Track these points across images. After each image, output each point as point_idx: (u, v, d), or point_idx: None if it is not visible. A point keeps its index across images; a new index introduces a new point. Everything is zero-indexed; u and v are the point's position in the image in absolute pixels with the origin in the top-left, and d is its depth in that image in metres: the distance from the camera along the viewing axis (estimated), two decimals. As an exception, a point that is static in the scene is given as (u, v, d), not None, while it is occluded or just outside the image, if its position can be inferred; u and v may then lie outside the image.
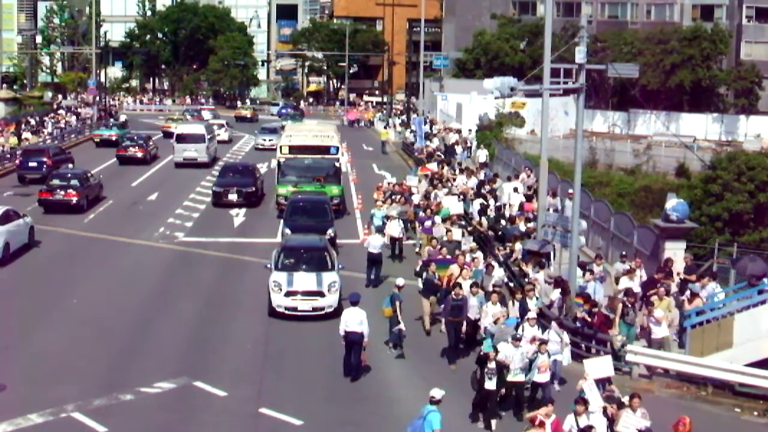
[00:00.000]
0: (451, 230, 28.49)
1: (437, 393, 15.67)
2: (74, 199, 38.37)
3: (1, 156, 51.86)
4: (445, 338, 21.81)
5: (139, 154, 53.56)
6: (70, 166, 47.29)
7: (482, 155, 46.74)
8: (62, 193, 38.42)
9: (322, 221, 31.79)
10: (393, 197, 35.07)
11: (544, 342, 18.88)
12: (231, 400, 19.12)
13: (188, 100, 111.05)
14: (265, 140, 62.71)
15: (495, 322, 20.21)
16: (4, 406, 18.18)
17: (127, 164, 52.84)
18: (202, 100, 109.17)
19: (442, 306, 22.25)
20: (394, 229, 30.71)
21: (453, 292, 21.42)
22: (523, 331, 19.60)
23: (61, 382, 19.65)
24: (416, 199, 35.96)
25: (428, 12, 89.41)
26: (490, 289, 22.57)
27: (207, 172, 50.36)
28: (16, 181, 45.98)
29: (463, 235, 29.39)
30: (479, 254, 26.30)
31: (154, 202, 42.02)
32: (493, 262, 25.12)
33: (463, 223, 31.87)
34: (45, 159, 46.61)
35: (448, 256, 25.42)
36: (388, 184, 38.50)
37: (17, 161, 48.39)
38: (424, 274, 24.25)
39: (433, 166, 42.53)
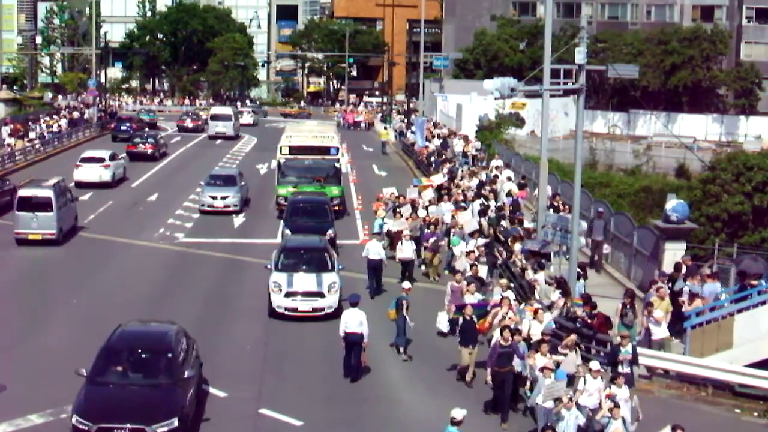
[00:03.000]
0: (476, 265, 24.92)
1: (458, 413, 14.97)
2: (149, 151, 55.25)
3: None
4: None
5: (191, 125, 73.35)
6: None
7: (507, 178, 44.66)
8: (143, 146, 55.34)
9: (322, 222, 31.78)
10: (398, 211, 31.86)
11: (616, 405, 16.07)
12: (231, 400, 19.11)
13: (187, 101, 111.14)
14: (215, 198, 38.84)
15: (541, 371, 17.26)
16: (4, 407, 18.18)
17: (184, 132, 71.31)
18: (203, 102, 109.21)
19: (488, 353, 18.98)
20: (407, 250, 27.76)
21: (502, 337, 18.47)
22: (585, 384, 17.10)
23: (61, 382, 19.61)
24: (419, 212, 32.43)
25: (428, 13, 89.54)
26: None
27: (208, 172, 50.27)
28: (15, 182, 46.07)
29: (491, 270, 25.90)
30: (509, 294, 22.29)
31: (154, 202, 42.02)
32: (539, 305, 21.47)
33: (484, 242, 28.06)
34: (132, 124, 66.56)
35: (478, 293, 22.41)
36: (390, 194, 35.38)
37: (112, 125, 67.75)
38: (461, 320, 20.52)
39: (438, 178, 39.43)
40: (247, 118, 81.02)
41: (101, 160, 45.64)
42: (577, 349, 18.99)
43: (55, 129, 64.98)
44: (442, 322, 22.22)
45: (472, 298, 22.07)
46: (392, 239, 29.97)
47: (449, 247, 29.28)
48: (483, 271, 25.15)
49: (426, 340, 22.91)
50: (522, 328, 19.75)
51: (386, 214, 32.36)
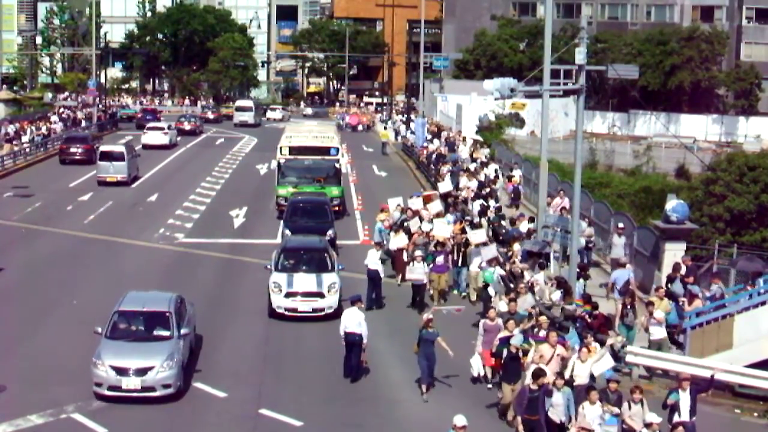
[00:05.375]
0: (515, 301, 21.31)
1: (460, 420, 14.83)
2: (189, 127, 70.73)
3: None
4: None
5: (213, 117, 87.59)
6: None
7: (516, 175, 41.01)
8: (187, 124, 71.47)
9: (322, 222, 31.76)
10: (404, 225, 29.67)
11: None
12: (231, 401, 19.11)
13: (187, 101, 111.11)
14: (126, 372, 18.66)
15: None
16: (4, 407, 18.19)
17: (207, 123, 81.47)
18: (203, 102, 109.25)
19: (517, 399, 17.04)
20: (418, 272, 25.38)
21: (534, 381, 16.53)
22: None
23: (61, 382, 19.63)
24: (424, 226, 29.58)
25: (428, 13, 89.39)
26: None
27: (207, 173, 50.46)
28: (15, 183, 46.19)
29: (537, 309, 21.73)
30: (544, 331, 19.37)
31: (154, 203, 42.01)
32: (593, 342, 18.69)
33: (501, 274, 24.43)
34: (157, 115, 77.53)
35: (515, 331, 19.12)
36: (396, 206, 32.40)
37: (139, 115, 79.87)
38: (504, 353, 18.55)
39: (445, 185, 37.21)
40: (276, 114, 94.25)
41: (162, 129, 62.19)
42: (644, 401, 16.43)
43: (44, 131, 62.30)
44: (476, 366, 19.95)
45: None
46: (393, 258, 28.23)
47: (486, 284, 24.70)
48: (526, 301, 21.78)
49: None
50: (566, 371, 17.62)
51: (392, 225, 30.01)
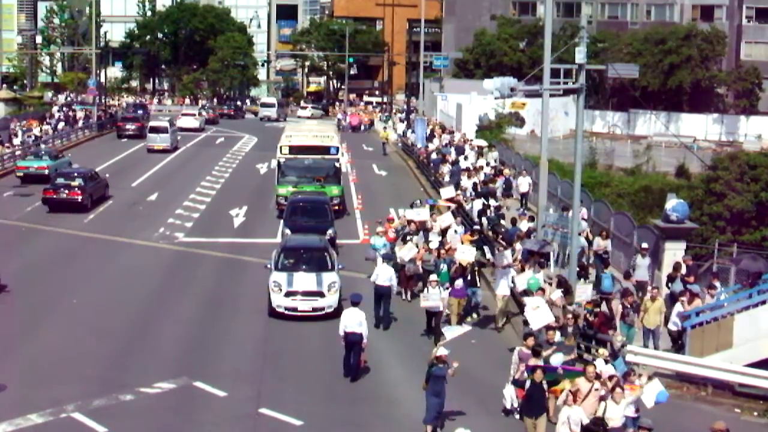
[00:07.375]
0: (554, 330, 19.43)
1: None
2: (208, 117, 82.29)
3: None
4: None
5: (232, 113, 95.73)
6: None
7: (524, 183, 38.76)
8: (206, 115, 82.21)
9: (322, 221, 31.76)
10: (409, 237, 27.50)
11: None
12: (231, 400, 19.10)
13: (187, 101, 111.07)
14: None
15: None
16: (4, 406, 18.18)
17: (225, 118, 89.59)
18: (203, 102, 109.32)
19: None
20: (434, 298, 22.85)
21: None
22: None
23: (61, 382, 19.64)
24: (433, 241, 27.56)
25: (428, 12, 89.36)
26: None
27: (208, 172, 50.44)
28: (15, 182, 46.10)
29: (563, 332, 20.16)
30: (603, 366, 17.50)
31: (154, 202, 42.00)
32: (638, 379, 17.13)
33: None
34: (147, 109, 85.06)
35: (555, 356, 18.03)
36: (402, 217, 30.34)
37: (131, 109, 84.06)
38: (528, 384, 17.07)
39: (448, 192, 35.13)
40: (306, 113, 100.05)
41: (194, 114, 77.20)
42: None
43: (37, 133, 60.88)
44: (508, 397, 18.35)
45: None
46: (399, 273, 26.05)
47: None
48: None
49: (425, 343, 22.89)
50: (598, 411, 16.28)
51: (399, 247, 27.37)
